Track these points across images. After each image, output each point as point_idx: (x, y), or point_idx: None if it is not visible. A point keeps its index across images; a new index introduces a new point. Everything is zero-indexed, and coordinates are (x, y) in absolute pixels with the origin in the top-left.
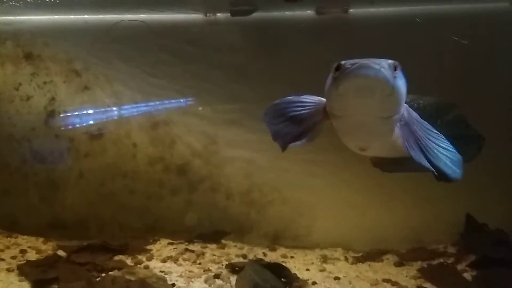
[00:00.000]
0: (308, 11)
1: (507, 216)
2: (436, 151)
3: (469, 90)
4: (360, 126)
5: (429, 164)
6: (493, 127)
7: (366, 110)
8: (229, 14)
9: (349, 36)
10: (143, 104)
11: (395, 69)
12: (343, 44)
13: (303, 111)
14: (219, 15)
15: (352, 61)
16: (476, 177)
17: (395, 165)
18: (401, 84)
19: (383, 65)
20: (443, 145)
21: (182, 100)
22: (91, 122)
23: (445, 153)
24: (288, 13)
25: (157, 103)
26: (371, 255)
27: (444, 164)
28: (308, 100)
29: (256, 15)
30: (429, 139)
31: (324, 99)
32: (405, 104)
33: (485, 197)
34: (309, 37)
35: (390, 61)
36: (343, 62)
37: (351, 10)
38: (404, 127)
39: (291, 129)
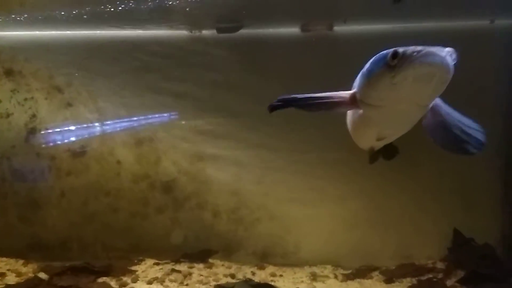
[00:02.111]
0: (293, 29)
1: (493, 231)
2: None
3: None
4: (399, 115)
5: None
6: None
7: (417, 99)
8: (214, 31)
9: (334, 52)
10: (127, 121)
11: (452, 56)
12: (327, 60)
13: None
14: (204, 31)
15: (413, 48)
16: (463, 192)
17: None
18: (453, 68)
19: (446, 53)
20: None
21: (167, 116)
22: (73, 139)
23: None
24: (273, 30)
25: (142, 119)
26: (361, 272)
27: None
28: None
29: (241, 32)
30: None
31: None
32: None
33: (472, 212)
34: (293, 53)
35: (449, 49)
36: (401, 49)
37: (336, 27)
38: (434, 111)
39: (301, 99)
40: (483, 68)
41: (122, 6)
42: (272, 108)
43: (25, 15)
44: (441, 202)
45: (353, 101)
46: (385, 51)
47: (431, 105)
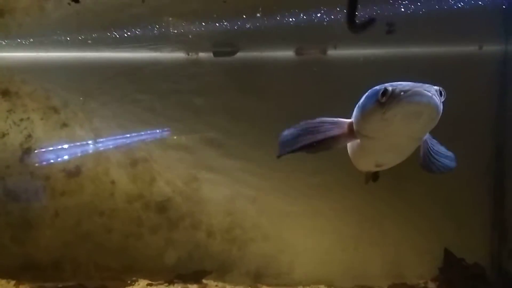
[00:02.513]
0: (288, 52)
1: (483, 250)
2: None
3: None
4: (394, 147)
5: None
6: (470, 162)
7: (408, 133)
8: (210, 54)
9: (327, 75)
10: (122, 141)
11: (441, 94)
12: (321, 83)
13: (321, 128)
14: (201, 54)
15: (401, 86)
16: (454, 211)
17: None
18: (441, 108)
19: (433, 92)
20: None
21: (162, 137)
22: (68, 159)
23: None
24: (268, 54)
25: (137, 139)
26: None
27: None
28: (327, 121)
29: (238, 55)
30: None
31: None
32: None
33: (462, 231)
34: (288, 76)
35: (437, 87)
36: (390, 87)
37: (329, 51)
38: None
39: (303, 139)
40: (473, 91)
41: (125, 32)
42: (280, 156)
43: (23, 38)
44: (432, 221)
45: (350, 131)
46: (377, 87)
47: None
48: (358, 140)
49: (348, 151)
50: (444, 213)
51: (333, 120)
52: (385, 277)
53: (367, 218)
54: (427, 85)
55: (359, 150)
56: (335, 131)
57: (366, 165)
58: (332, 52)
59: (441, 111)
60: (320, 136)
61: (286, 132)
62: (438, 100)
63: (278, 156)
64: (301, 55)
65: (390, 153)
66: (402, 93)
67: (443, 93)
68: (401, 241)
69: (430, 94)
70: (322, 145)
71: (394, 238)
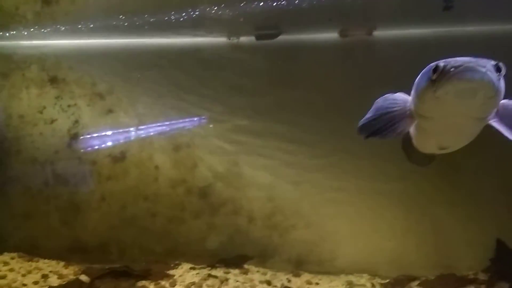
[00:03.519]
0: (332, 34)
1: None
2: None
3: None
4: (453, 127)
5: None
6: None
7: (465, 112)
8: (252, 38)
9: (373, 58)
10: (165, 127)
11: (499, 70)
12: (367, 66)
13: (393, 111)
14: (242, 38)
15: (453, 62)
16: (509, 199)
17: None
18: (502, 85)
19: (488, 68)
20: None
21: (204, 122)
22: (113, 144)
23: None
24: (311, 36)
25: (180, 125)
26: (399, 282)
27: None
28: (397, 98)
29: (279, 38)
30: None
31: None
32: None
33: None
34: (332, 59)
35: (494, 62)
36: (442, 63)
37: (375, 32)
38: (502, 122)
39: (382, 126)
40: None
41: (166, 18)
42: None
43: (69, 25)
44: (485, 210)
45: (410, 111)
46: (432, 64)
47: (492, 117)
48: (417, 122)
49: (411, 133)
50: (498, 201)
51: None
52: (432, 267)
53: (416, 206)
54: (483, 60)
55: (419, 131)
56: (403, 117)
57: (429, 147)
58: (378, 33)
59: (500, 87)
60: (392, 126)
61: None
62: (494, 76)
63: (366, 137)
64: (346, 36)
65: (451, 134)
66: (453, 69)
67: (502, 68)
68: (451, 230)
69: (484, 69)
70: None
71: (443, 227)
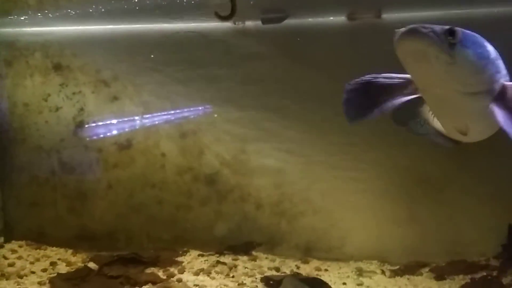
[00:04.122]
0: (340, 17)
1: None
2: None
3: None
4: (445, 102)
5: None
6: None
7: (437, 82)
8: (257, 22)
9: (382, 41)
10: (171, 114)
11: (451, 34)
12: (376, 50)
13: (387, 83)
14: (248, 23)
15: (408, 26)
16: None
17: None
18: (470, 53)
19: (434, 30)
20: None
21: (210, 109)
22: (119, 132)
23: None
24: (319, 20)
25: (186, 112)
26: (409, 268)
27: None
28: (394, 76)
29: (286, 22)
30: None
31: None
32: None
33: None
34: (340, 42)
35: (446, 27)
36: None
37: (384, 15)
38: (502, 105)
39: (368, 100)
40: None
41: (170, 1)
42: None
43: (72, 10)
44: (496, 194)
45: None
46: None
47: (491, 96)
48: None
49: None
50: (503, 185)
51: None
52: (443, 253)
53: (425, 191)
54: (436, 25)
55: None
56: (402, 88)
57: (449, 130)
58: (387, 16)
59: (460, 54)
60: (383, 96)
61: (349, 87)
62: (440, 39)
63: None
64: (354, 20)
65: (450, 111)
66: (398, 31)
67: (456, 33)
68: (462, 215)
69: (425, 30)
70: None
71: (454, 212)
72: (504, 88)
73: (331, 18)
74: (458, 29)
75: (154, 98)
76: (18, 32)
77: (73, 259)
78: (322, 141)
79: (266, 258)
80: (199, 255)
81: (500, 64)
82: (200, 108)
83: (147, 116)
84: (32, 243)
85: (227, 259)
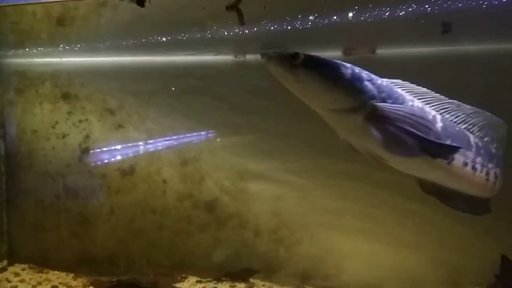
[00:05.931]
0: (336, 52)
1: None
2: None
3: None
4: (328, 119)
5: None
6: None
7: (304, 98)
8: (257, 56)
9: (376, 74)
10: (173, 142)
11: (294, 58)
12: None
13: None
14: (248, 56)
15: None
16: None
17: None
18: (312, 73)
19: (282, 54)
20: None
21: (211, 138)
22: (123, 159)
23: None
24: (317, 54)
25: (188, 140)
26: None
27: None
28: None
29: None
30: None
31: None
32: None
33: None
34: None
35: (292, 52)
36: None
37: (379, 50)
38: (377, 125)
39: None
40: None
41: (178, 36)
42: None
43: (81, 44)
44: (490, 226)
45: None
46: None
47: (361, 116)
48: None
49: None
50: (502, 216)
51: None
52: (438, 282)
53: (419, 220)
54: (289, 51)
55: None
56: None
57: (363, 152)
58: (381, 51)
59: (303, 74)
60: None
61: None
62: (283, 62)
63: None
64: (350, 54)
65: (338, 129)
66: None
67: (298, 56)
68: (457, 245)
69: (274, 56)
70: None
71: (447, 243)
72: (374, 108)
73: (329, 53)
74: (301, 53)
75: (157, 126)
76: (29, 63)
77: (74, 283)
78: (320, 170)
79: (264, 285)
80: (197, 281)
81: (368, 86)
82: (201, 136)
83: (150, 143)
84: (35, 266)
85: (225, 286)
